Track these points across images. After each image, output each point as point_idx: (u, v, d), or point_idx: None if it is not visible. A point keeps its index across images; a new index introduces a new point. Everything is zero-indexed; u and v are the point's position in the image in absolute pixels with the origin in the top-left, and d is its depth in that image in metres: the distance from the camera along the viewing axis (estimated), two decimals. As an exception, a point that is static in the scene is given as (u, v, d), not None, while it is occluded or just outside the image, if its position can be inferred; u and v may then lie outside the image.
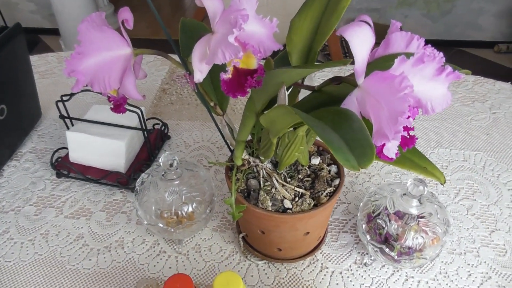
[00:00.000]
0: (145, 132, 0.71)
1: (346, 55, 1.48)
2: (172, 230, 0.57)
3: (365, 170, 0.76)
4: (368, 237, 0.56)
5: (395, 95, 0.32)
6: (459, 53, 2.46)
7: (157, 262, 0.61)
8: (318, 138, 0.57)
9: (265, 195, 0.52)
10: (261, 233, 0.55)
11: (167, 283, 0.42)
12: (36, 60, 1.04)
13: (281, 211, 0.51)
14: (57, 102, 0.71)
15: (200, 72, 0.37)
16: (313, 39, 0.46)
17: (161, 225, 0.56)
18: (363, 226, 0.57)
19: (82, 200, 0.70)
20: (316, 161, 0.57)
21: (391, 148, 0.32)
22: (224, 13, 0.38)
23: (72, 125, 0.75)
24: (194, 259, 0.62)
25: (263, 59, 0.41)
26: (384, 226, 0.54)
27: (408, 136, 0.39)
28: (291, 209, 0.52)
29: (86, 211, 0.69)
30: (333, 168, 0.57)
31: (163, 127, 0.81)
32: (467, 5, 2.36)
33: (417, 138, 0.39)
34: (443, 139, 0.82)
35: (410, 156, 0.43)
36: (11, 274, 0.60)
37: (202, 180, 0.59)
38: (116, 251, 0.63)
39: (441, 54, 0.35)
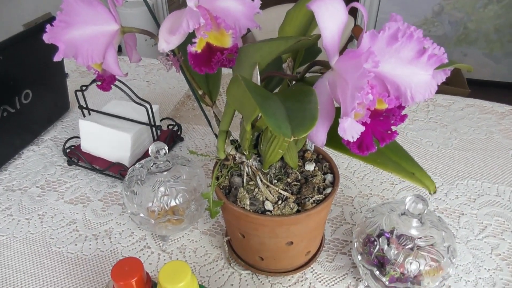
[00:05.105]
0: (153, 128, 0.71)
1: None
2: (153, 222, 0.55)
3: (379, 193, 0.69)
4: (359, 257, 0.50)
5: (358, 70, 0.29)
6: (526, 98, 2.27)
7: (139, 257, 0.59)
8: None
9: (245, 192, 0.48)
10: (242, 236, 0.51)
11: (116, 266, 0.39)
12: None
13: (260, 212, 0.48)
14: (75, 91, 0.74)
15: (166, 43, 0.36)
16: (305, 31, 0.43)
17: (142, 215, 0.55)
18: (355, 244, 0.51)
19: (84, 188, 0.71)
20: (310, 167, 0.53)
21: (348, 129, 0.28)
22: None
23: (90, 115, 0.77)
24: (177, 259, 0.59)
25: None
26: (376, 245, 0.48)
27: (389, 132, 0.34)
28: (271, 211, 0.47)
29: (85, 199, 0.69)
30: (329, 177, 0.52)
31: (176, 128, 0.80)
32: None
33: (397, 134, 0.34)
34: (476, 170, 0.74)
35: (397, 159, 0.38)
36: (0, 248, 0.60)
37: (192, 176, 0.57)
38: (102, 240, 0.62)
39: (420, 32, 0.31)
